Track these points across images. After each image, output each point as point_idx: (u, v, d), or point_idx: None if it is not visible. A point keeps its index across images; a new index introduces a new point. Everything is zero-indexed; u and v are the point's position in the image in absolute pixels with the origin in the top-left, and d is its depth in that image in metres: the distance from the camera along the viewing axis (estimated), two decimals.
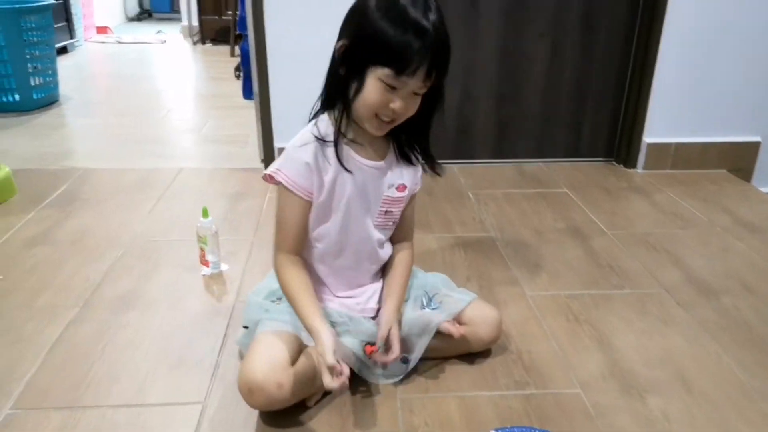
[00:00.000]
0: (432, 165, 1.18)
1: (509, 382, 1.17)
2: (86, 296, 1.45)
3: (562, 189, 2.18)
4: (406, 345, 1.16)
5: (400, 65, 0.96)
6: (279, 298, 1.18)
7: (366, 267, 1.21)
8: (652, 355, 1.26)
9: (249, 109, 2.67)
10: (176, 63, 4.83)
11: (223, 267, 1.58)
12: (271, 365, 1.01)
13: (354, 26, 1.02)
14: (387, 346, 1.10)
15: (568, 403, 1.12)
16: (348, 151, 1.10)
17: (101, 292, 1.47)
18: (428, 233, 1.80)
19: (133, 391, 1.14)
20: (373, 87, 0.99)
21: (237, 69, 3.90)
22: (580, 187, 2.20)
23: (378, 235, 1.19)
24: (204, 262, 1.55)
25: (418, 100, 1.04)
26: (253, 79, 2.26)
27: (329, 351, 0.98)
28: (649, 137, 2.36)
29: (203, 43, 5.40)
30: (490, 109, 2.39)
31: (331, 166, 1.09)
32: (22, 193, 2.05)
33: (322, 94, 1.09)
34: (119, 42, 5.39)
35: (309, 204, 1.10)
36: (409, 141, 1.16)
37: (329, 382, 0.97)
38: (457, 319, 1.20)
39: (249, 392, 1.01)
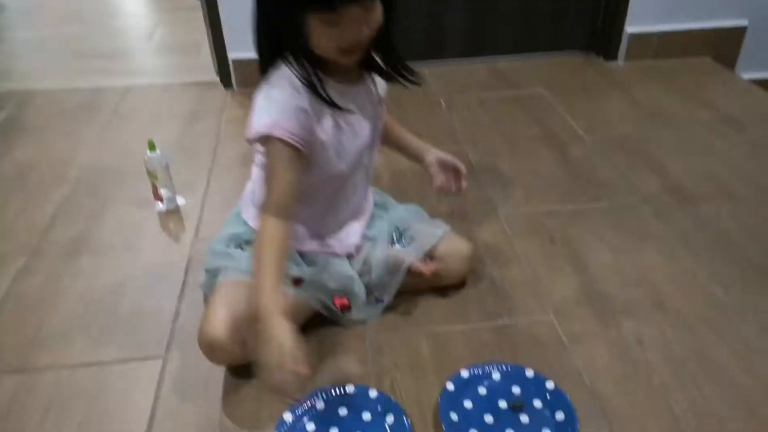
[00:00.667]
0: (407, 74, 1.03)
1: (481, 314, 1.14)
2: (33, 243, 1.36)
3: (538, 89, 2.06)
4: (378, 286, 1.11)
5: (323, 3, 0.84)
6: (247, 242, 1.10)
7: (361, 199, 1.15)
8: (627, 275, 1.23)
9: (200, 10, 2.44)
10: None
11: (180, 201, 1.48)
12: (232, 320, 0.95)
13: None
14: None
15: (542, 333, 1.09)
16: (336, 87, 0.97)
17: (49, 238, 1.38)
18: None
19: (89, 348, 1.09)
20: (316, 31, 0.87)
21: None
22: (557, 87, 2.07)
23: (374, 159, 1.13)
24: (157, 197, 1.45)
25: (374, 13, 0.90)
26: None
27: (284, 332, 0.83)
28: (631, 26, 2.20)
29: None
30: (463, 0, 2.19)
31: (327, 112, 0.97)
32: None
33: (259, 51, 0.95)
34: None
35: (304, 156, 0.96)
36: (379, 55, 1.02)
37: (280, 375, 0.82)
38: (429, 255, 1.14)
39: (210, 351, 0.96)
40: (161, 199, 1.45)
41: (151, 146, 1.40)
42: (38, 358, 1.07)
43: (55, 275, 1.26)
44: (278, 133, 0.91)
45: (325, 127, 0.97)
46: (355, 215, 1.15)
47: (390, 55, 1.01)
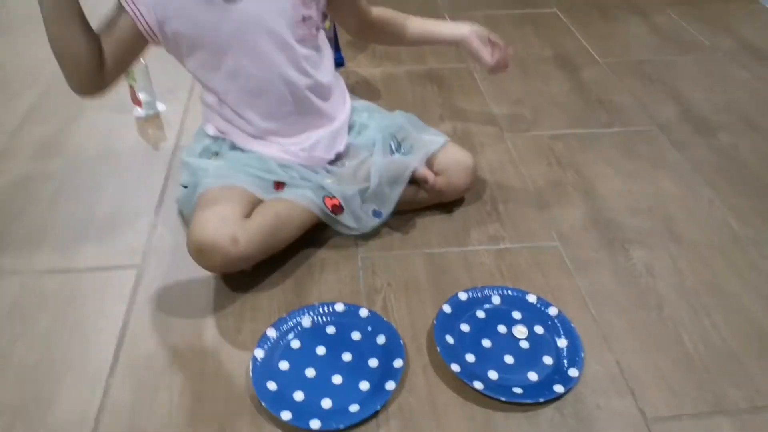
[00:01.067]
0: None
1: (482, 237, 1.06)
2: (2, 142, 1.26)
3: (552, 9, 1.92)
4: (377, 197, 1.02)
5: None
6: (215, 153, 1.01)
7: (309, 101, 1.02)
8: (639, 203, 1.15)
9: None
10: None
11: (160, 107, 1.37)
12: (220, 219, 0.88)
13: None
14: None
15: (545, 258, 1.02)
16: None
17: (19, 138, 1.27)
18: (397, 65, 1.58)
19: (59, 255, 1.01)
20: None
21: None
22: (572, 7, 1.93)
23: (305, 52, 0.98)
24: (136, 101, 1.34)
25: None
26: None
27: None
28: None
29: None
30: None
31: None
32: None
33: None
34: None
35: (140, 32, 0.89)
36: None
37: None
38: (428, 165, 1.05)
39: (199, 252, 0.88)
40: (140, 104, 1.34)
41: None
42: (4, 262, 0.99)
43: (24, 177, 1.17)
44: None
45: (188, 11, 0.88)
46: (309, 119, 1.04)
47: None
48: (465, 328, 0.88)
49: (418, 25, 1.14)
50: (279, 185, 1.00)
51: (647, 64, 1.62)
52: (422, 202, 1.08)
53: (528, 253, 1.03)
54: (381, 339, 0.86)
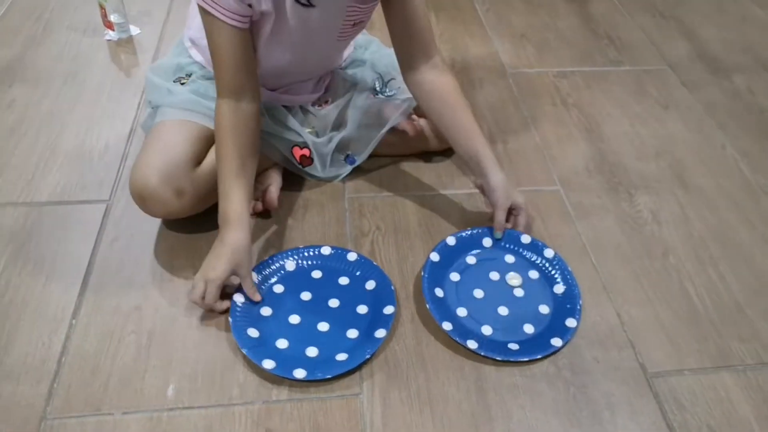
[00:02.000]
0: None
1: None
2: None
3: None
4: (353, 141, 0.95)
5: None
6: (188, 75, 0.91)
7: (318, 74, 0.97)
8: (646, 146, 1.08)
9: None
10: None
11: (133, 30, 1.26)
12: (167, 166, 0.79)
13: None
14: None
15: (545, 203, 0.96)
16: None
17: None
18: None
19: (20, 187, 0.93)
20: None
21: None
22: None
23: (340, 44, 0.93)
24: (107, 23, 1.23)
25: None
26: None
27: (244, 258, 0.74)
28: None
29: None
30: None
31: None
32: None
33: None
34: None
35: (249, 32, 0.77)
36: None
37: (214, 295, 0.73)
38: (415, 110, 0.97)
39: (141, 200, 0.80)
40: (111, 26, 1.23)
41: None
42: None
43: None
44: (214, 10, 0.72)
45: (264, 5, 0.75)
46: (310, 82, 0.96)
47: None
48: (455, 277, 0.82)
49: (456, 121, 0.86)
50: None
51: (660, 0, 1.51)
52: (407, 149, 1.00)
53: (527, 197, 0.95)
54: (370, 284, 0.80)
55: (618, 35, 1.37)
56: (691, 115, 1.15)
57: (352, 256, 0.83)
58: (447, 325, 0.75)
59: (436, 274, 0.82)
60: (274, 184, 0.91)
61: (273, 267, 0.81)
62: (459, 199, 0.95)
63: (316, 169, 0.94)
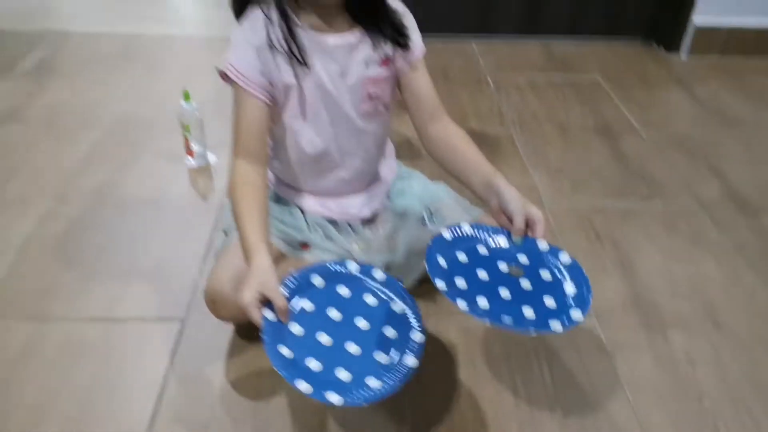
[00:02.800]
0: (395, 32, 0.94)
1: None
2: (59, 187, 1.32)
3: (594, 76, 1.94)
4: (402, 267, 1.04)
5: None
6: None
7: (358, 169, 1.05)
8: (679, 284, 1.14)
9: None
10: None
11: (211, 158, 1.42)
12: (237, 272, 0.90)
13: None
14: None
15: (581, 337, 1.02)
16: (310, 37, 0.91)
17: (76, 183, 1.33)
18: None
19: (105, 303, 1.04)
20: None
21: None
22: (614, 75, 1.96)
23: (365, 125, 1.01)
24: (188, 152, 1.40)
25: None
26: None
27: (269, 278, 0.78)
28: (698, 17, 2.06)
29: None
30: None
31: (289, 63, 0.91)
32: None
33: None
34: None
35: (267, 106, 0.92)
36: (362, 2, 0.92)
37: (256, 316, 0.76)
38: None
39: (212, 302, 0.93)
40: (192, 154, 1.39)
41: (186, 96, 1.34)
42: (53, 307, 1.03)
43: (78, 223, 1.22)
44: (234, 76, 0.88)
45: (283, 71, 0.91)
46: (354, 184, 1.07)
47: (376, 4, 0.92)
48: (462, 257, 0.82)
49: (468, 157, 0.96)
50: (305, 245, 1.02)
51: (689, 138, 1.62)
52: None
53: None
54: (397, 306, 0.81)
55: (650, 172, 1.47)
56: (722, 254, 1.22)
57: (379, 275, 0.84)
58: (440, 284, 0.74)
59: (443, 246, 0.82)
60: None
61: (300, 283, 0.82)
62: (500, 334, 1.02)
63: None
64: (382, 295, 0.82)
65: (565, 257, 0.85)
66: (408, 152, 1.45)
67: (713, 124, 1.70)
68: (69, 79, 1.77)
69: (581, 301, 0.78)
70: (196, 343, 0.97)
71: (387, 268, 1.04)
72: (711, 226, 1.30)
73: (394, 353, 0.75)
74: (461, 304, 0.73)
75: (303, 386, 0.68)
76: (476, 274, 0.81)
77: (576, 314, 0.76)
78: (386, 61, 0.97)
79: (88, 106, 1.63)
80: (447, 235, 0.85)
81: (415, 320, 0.79)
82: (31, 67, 1.83)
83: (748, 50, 2.08)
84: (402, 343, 0.76)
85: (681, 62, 2.08)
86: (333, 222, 1.05)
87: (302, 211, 1.05)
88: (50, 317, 1.01)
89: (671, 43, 2.13)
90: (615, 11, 2.16)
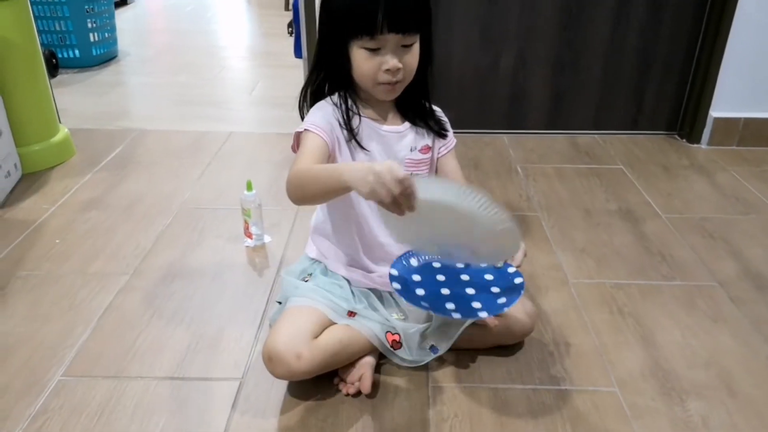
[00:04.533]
0: (436, 124, 1.19)
1: (544, 377, 1.16)
2: (136, 264, 1.51)
3: (618, 165, 2.09)
4: (436, 333, 1.16)
5: (364, 26, 1.00)
6: (310, 274, 1.22)
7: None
8: (697, 356, 1.22)
9: (299, 69, 2.65)
10: (230, 16, 4.83)
11: (266, 239, 1.60)
12: (291, 336, 1.05)
13: (321, 10, 1.09)
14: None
15: (604, 402, 1.10)
16: (367, 123, 1.13)
17: (149, 261, 1.52)
18: None
19: (175, 364, 1.19)
20: (358, 57, 1.04)
21: (290, 25, 3.87)
22: (637, 164, 2.10)
23: None
24: (247, 234, 1.58)
25: (413, 52, 1.06)
26: (302, 39, 2.24)
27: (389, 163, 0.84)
28: (716, 111, 2.21)
29: None
30: (547, 75, 2.29)
31: (347, 143, 1.12)
32: (81, 154, 2.13)
33: (311, 82, 1.14)
34: None
35: (327, 149, 1.10)
36: (410, 101, 1.16)
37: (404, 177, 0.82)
38: None
39: (269, 360, 1.05)
40: (251, 236, 1.57)
41: (249, 186, 1.54)
42: (131, 367, 1.18)
43: (151, 295, 1.39)
44: (307, 126, 1.08)
45: (343, 155, 1.11)
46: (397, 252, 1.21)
47: (420, 100, 1.16)
48: (436, 265, 1.13)
49: None
50: (351, 313, 1.16)
51: (708, 221, 1.72)
52: (481, 342, 1.20)
53: (587, 395, 1.11)
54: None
55: (670, 253, 1.57)
56: (739, 329, 1.29)
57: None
58: (394, 271, 1.08)
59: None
60: (370, 369, 1.12)
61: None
62: (528, 395, 1.11)
63: (405, 352, 1.15)
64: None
65: (518, 279, 1.10)
66: None
67: (732, 209, 1.80)
68: (145, 171, 2.02)
69: (497, 308, 1.05)
70: (253, 400, 1.10)
71: (423, 337, 1.16)
72: (729, 303, 1.38)
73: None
74: (395, 285, 1.03)
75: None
76: (435, 277, 1.09)
77: (482, 314, 1.03)
78: (427, 149, 1.18)
79: (162, 194, 1.86)
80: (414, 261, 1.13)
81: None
82: (113, 160, 2.09)
83: (763, 141, 2.21)
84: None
85: (702, 151, 2.21)
86: (377, 292, 1.20)
87: (349, 283, 1.20)
88: (127, 375, 1.16)
89: (692, 135, 2.27)
90: (637, 108, 2.33)
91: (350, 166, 0.91)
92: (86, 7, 3.11)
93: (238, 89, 2.96)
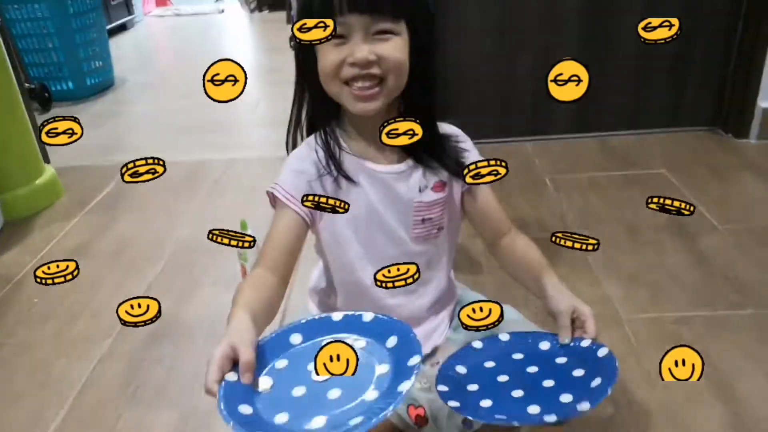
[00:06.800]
0: (450, 159, 0.91)
1: None
2: (119, 325, 1.33)
3: (659, 169, 1.86)
4: None
5: (319, 5, 0.78)
6: None
7: (418, 297, 1.00)
8: None
9: None
10: (232, 34, 4.72)
11: None
12: None
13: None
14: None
15: None
16: (356, 161, 0.90)
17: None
18: None
19: None
20: (321, 53, 0.82)
21: (291, 39, 3.71)
22: (680, 166, 1.87)
23: (420, 248, 0.96)
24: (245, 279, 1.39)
25: (395, 43, 0.81)
26: None
27: (244, 334, 0.71)
28: (765, 101, 1.98)
29: (260, 10, 5.24)
30: None
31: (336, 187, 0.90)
32: (69, 194, 1.98)
33: (293, 122, 0.93)
34: (177, 15, 5.31)
35: (303, 222, 0.89)
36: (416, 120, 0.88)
37: (212, 372, 0.67)
38: None
39: None
40: None
41: (243, 226, 1.35)
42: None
43: (136, 361, 1.22)
44: (278, 191, 0.88)
45: (325, 218, 0.89)
46: (412, 320, 1.00)
47: (424, 122, 0.81)
48: (489, 364, 0.81)
49: (528, 259, 0.94)
50: None
51: None
52: None
53: None
54: (391, 341, 0.72)
55: (735, 274, 1.35)
56: None
57: (368, 317, 0.76)
58: (442, 387, 0.76)
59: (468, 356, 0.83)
60: None
61: (280, 343, 0.75)
62: None
63: (432, 430, 0.94)
64: (374, 333, 0.74)
65: (603, 351, 0.79)
66: (468, 267, 1.40)
67: None
68: (137, 210, 1.86)
69: (597, 393, 0.71)
70: None
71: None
72: None
73: (384, 386, 0.65)
74: (452, 403, 0.73)
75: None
76: (495, 378, 0.79)
77: (582, 406, 0.69)
78: (440, 185, 0.94)
79: (154, 235, 1.69)
80: (477, 344, 0.84)
81: (409, 347, 0.70)
82: (104, 200, 1.93)
83: None
84: (396, 373, 0.67)
85: (751, 146, 1.98)
86: None
87: None
88: None
89: (739, 129, 2.03)
90: (674, 102, 2.10)
91: (230, 325, 0.74)
92: (77, 37, 2.97)
93: (240, 109, 2.80)
